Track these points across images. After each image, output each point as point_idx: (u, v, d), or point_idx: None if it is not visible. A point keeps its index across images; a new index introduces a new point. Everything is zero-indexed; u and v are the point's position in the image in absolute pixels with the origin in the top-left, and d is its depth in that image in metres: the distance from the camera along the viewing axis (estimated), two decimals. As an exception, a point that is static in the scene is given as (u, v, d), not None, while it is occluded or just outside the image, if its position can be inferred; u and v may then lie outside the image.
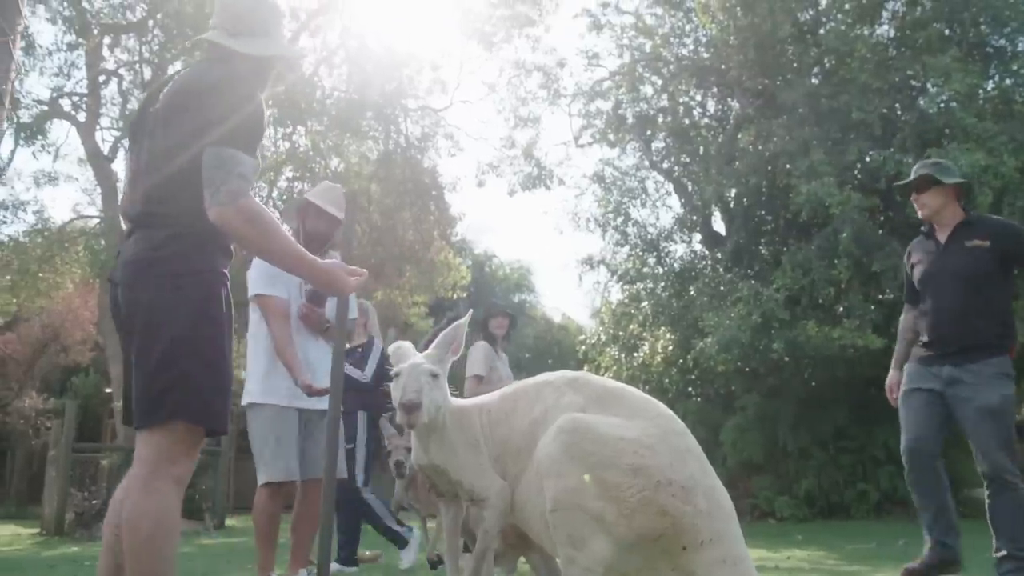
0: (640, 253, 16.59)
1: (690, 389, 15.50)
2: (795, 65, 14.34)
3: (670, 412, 2.60)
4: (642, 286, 16.16)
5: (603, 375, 4.27)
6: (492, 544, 2.95)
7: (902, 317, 4.76)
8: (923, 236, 4.64)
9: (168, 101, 2.48)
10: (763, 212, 15.09)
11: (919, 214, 4.58)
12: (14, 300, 17.76)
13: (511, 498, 2.78)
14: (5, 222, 17.49)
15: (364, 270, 2.70)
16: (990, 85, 13.19)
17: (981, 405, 4.15)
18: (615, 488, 2.34)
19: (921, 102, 13.17)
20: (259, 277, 4.18)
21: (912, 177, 4.56)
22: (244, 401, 4.36)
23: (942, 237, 4.48)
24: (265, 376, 4.24)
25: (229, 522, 13.75)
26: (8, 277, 16.66)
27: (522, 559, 4.00)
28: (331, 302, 4.20)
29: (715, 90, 16.84)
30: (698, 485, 2.38)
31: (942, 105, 12.71)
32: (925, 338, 4.46)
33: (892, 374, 4.68)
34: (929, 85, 13.11)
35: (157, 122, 2.46)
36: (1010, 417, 4.22)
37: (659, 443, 2.41)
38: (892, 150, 12.25)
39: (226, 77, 2.43)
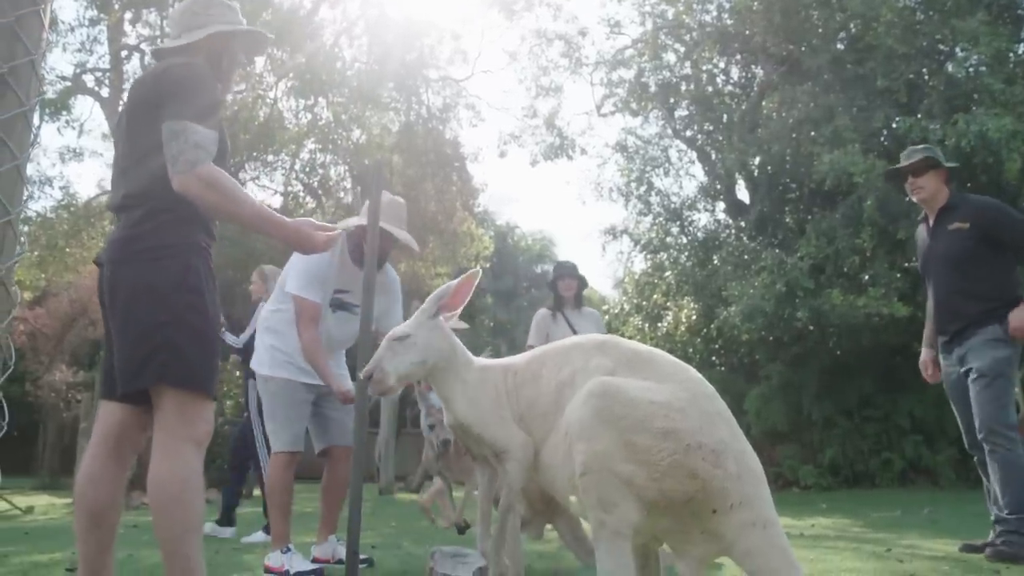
0: (663, 222, 16.53)
1: (714, 358, 15.50)
2: (820, 30, 14.15)
3: (699, 376, 2.60)
4: (665, 255, 16.13)
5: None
6: (516, 500, 2.97)
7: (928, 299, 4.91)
8: (921, 224, 4.78)
9: (129, 98, 2.70)
10: (787, 180, 14.96)
11: (914, 198, 4.68)
12: (43, 275, 17.99)
13: (533, 453, 2.80)
14: (32, 198, 17.69)
15: (337, 228, 2.82)
16: (1021, 48, 12.96)
17: (972, 369, 4.27)
18: (645, 451, 2.35)
19: (949, 67, 12.97)
20: (298, 277, 4.19)
21: (909, 161, 4.62)
22: (254, 365, 4.43)
23: (930, 222, 4.63)
24: (273, 349, 4.30)
25: (257, 492, 13.94)
26: (36, 252, 16.85)
27: (549, 526, 4.05)
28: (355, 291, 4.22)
29: (739, 57, 16.66)
30: (728, 449, 2.38)
31: (970, 70, 12.51)
32: (934, 324, 4.66)
33: (924, 352, 4.78)
34: (957, 49, 12.89)
35: (125, 119, 2.64)
36: (1003, 379, 4.23)
37: (689, 407, 2.42)
38: (919, 116, 12.10)
39: (173, 64, 2.59)
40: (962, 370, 4.38)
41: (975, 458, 4.52)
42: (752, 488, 2.39)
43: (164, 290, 2.42)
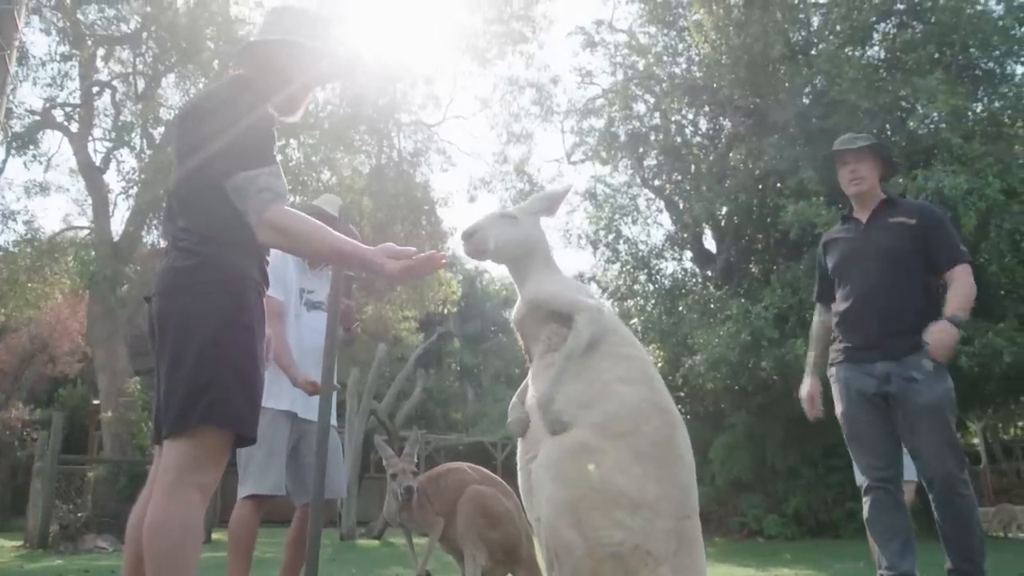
0: (631, 270, 16.65)
1: (679, 407, 15.42)
2: (786, 85, 14.45)
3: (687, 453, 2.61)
4: (632, 303, 16.20)
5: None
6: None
7: (814, 320, 4.37)
8: (841, 221, 4.26)
9: (180, 128, 2.58)
10: (753, 230, 15.16)
11: (851, 189, 4.12)
12: (2, 310, 17.66)
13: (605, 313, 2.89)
14: (-6, 232, 17.46)
15: (412, 249, 2.60)
16: (979, 107, 13.32)
17: (925, 404, 3.68)
18: (593, 528, 2.35)
19: (910, 123, 13.28)
20: None
21: (853, 146, 4.11)
22: None
23: (863, 217, 4.10)
24: (268, 381, 4.03)
25: (215, 535, 13.65)
26: (-4, 286, 16.58)
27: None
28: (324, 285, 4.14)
29: (707, 109, 16.95)
30: (671, 559, 2.38)
31: (931, 126, 12.81)
32: (847, 328, 4.02)
33: (810, 383, 4.26)
34: (918, 106, 13.23)
35: (177, 150, 2.56)
36: (954, 415, 3.73)
37: (657, 517, 2.41)
38: (881, 170, 12.32)
39: (223, 99, 2.50)
40: (888, 390, 3.82)
41: (868, 507, 4.11)
42: None
43: (212, 327, 2.32)
